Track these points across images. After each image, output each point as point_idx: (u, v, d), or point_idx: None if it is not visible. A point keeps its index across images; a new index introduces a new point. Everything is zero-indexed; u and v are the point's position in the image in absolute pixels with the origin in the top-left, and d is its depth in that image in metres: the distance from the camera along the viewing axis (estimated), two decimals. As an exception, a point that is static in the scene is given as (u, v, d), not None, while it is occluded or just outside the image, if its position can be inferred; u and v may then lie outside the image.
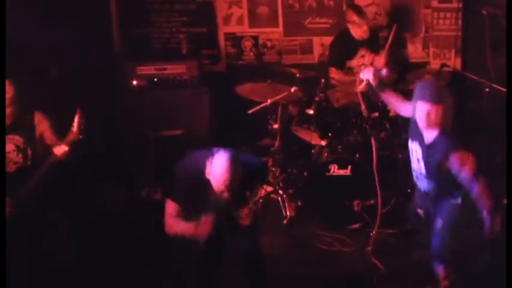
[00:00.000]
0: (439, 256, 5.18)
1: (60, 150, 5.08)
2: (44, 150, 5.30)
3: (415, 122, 5.01)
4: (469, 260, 5.42)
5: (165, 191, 5.11)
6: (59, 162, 5.12)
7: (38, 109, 5.41)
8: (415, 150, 5.10)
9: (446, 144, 4.79)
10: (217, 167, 4.53)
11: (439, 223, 5.10)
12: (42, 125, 5.37)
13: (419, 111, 4.83)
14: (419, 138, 5.00)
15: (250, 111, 6.85)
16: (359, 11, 7.58)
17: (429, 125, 4.82)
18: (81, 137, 5.11)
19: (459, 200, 4.99)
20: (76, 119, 5.10)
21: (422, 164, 5.03)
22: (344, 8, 8.25)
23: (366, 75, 5.42)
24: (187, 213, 4.78)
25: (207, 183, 4.63)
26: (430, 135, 4.89)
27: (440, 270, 5.22)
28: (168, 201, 4.82)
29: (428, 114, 4.76)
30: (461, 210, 5.02)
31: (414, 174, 5.23)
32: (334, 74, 7.53)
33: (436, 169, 4.90)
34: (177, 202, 4.79)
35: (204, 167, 4.64)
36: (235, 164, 4.55)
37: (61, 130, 5.27)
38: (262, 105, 6.87)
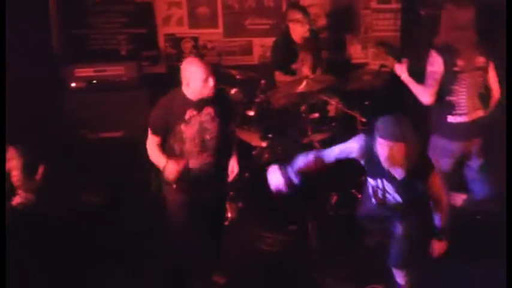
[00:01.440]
0: (399, 262, 5.18)
1: (18, 199, 4.98)
2: (9, 188, 5.18)
3: (375, 160, 4.83)
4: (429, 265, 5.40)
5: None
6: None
7: (13, 144, 5.27)
8: (380, 186, 5.01)
9: (418, 181, 4.84)
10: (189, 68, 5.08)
11: (399, 229, 5.08)
12: (12, 162, 5.21)
13: (381, 149, 4.65)
14: (386, 175, 4.88)
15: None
16: (302, 9, 7.51)
17: (393, 164, 4.68)
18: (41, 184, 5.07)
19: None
20: (41, 169, 5.02)
21: (395, 196, 5.00)
22: (284, 8, 8.28)
23: None
24: (166, 145, 5.26)
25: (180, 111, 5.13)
26: (398, 172, 4.80)
27: (399, 276, 5.22)
28: (149, 136, 5.27)
29: (391, 152, 4.59)
30: (422, 217, 5.09)
31: (375, 202, 5.19)
32: (280, 77, 7.37)
33: (414, 198, 4.97)
34: (156, 134, 5.22)
35: (174, 98, 5.22)
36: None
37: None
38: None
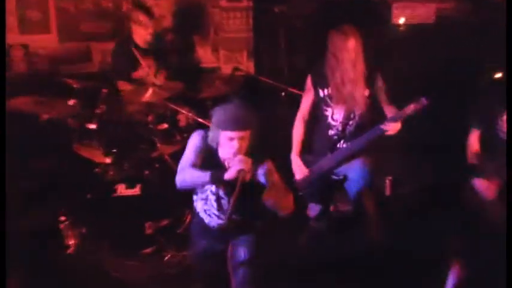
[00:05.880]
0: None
1: None
2: None
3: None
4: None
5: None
6: None
7: None
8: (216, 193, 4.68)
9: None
10: None
11: (242, 254, 4.80)
12: None
13: (227, 142, 4.41)
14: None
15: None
16: (147, 10, 7.24)
17: (240, 153, 4.39)
18: None
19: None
20: None
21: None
22: (125, 7, 8.00)
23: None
24: None
25: None
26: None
27: None
28: None
29: (237, 142, 4.39)
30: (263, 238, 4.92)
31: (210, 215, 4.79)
32: (123, 86, 7.05)
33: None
34: None
35: None
36: None
37: None
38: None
